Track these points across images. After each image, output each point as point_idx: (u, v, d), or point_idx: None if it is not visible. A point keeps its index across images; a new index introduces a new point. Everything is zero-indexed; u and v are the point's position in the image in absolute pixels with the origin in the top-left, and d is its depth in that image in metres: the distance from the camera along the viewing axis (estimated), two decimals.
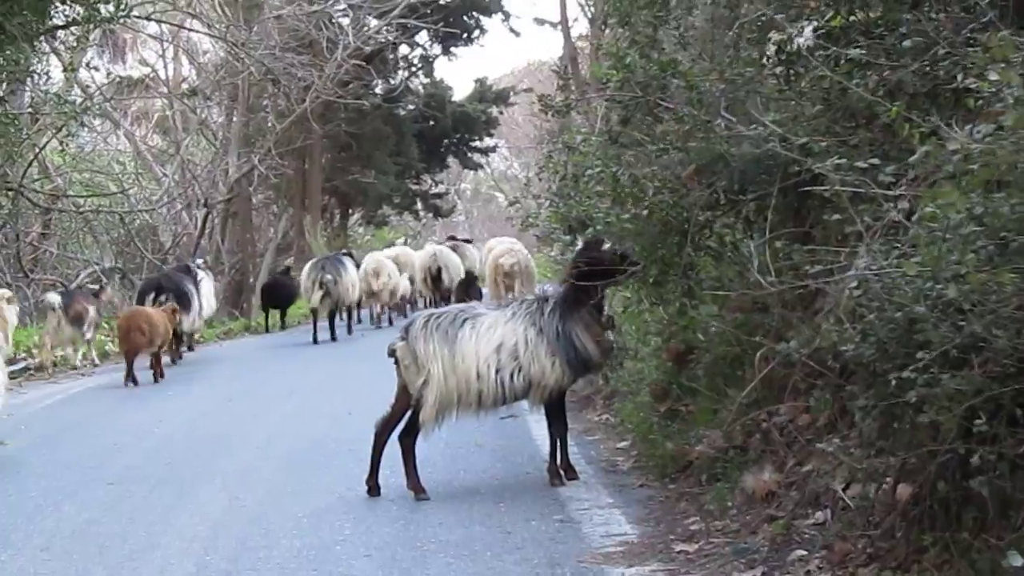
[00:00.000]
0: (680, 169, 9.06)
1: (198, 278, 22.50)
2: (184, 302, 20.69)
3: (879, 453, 6.67)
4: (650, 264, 9.61)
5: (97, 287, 22.44)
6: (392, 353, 9.44)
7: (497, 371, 9.28)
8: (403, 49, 41.09)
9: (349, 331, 24.30)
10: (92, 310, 20.18)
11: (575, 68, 28.66)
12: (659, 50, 10.70)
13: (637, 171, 10.29)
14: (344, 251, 27.68)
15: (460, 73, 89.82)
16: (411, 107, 41.23)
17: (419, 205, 45.86)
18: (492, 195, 73.04)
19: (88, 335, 20.32)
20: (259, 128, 36.19)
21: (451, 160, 46.02)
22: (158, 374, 17.75)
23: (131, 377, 17.25)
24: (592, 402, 13.06)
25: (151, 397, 16.20)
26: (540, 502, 9.01)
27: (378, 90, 38.70)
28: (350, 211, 43.75)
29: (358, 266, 25.24)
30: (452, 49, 41.45)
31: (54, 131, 23.51)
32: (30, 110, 23.40)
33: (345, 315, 24.73)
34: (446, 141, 43.59)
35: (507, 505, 8.95)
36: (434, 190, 47.00)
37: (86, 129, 25.99)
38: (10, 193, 23.84)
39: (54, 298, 20.00)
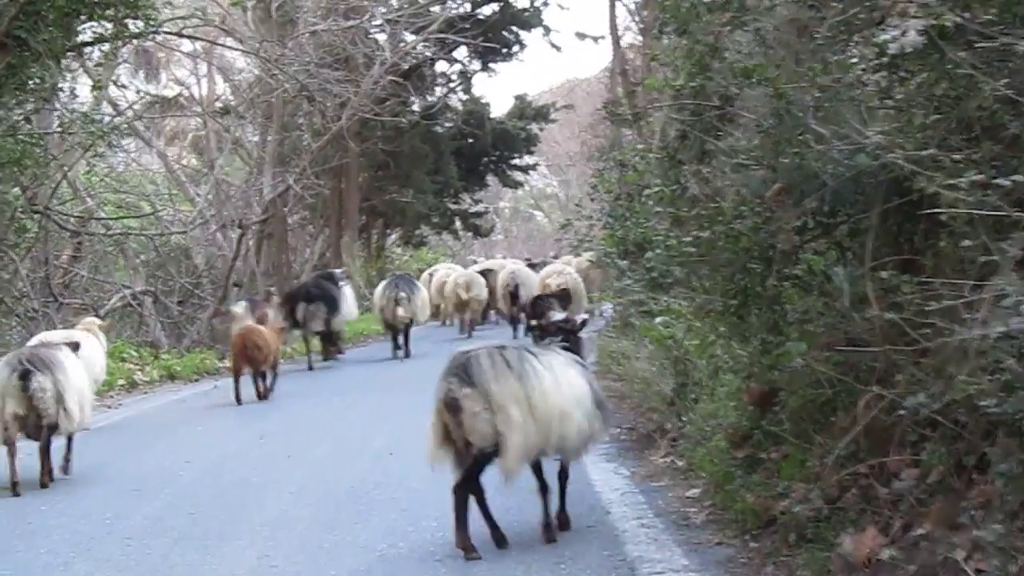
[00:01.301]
0: (763, 188, 8.08)
1: (340, 284, 24.34)
2: (332, 306, 23.20)
3: (1013, 520, 5.70)
4: (727, 295, 8.65)
5: (267, 292, 24.56)
6: (454, 404, 8.09)
7: (583, 414, 8.36)
8: (441, 65, 40.33)
9: (407, 354, 24.29)
10: (271, 313, 21.31)
11: (626, 80, 27.76)
12: (720, 59, 9.81)
13: (706, 189, 9.41)
14: (407, 273, 29.10)
15: (497, 90, 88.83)
16: (449, 124, 40.41)
17: (458, 224, 44.96)
18: (531, 214, 72.22)
19: None
20: (294, 147, 35.38)
21: (490, 178, 45.15)
22: (265, 392, 17.92)
23: (253, 392, 17.58)
24: (654, 442, 11.91)
25: (179, 434, 15.25)
26: (606, 563, 7.99)
27: (416, 107, 37.95)
28: (388, 231, 42.88)
29: None
30: (491, 65, 40.61)
31: (82, 151, 22.62)
32: (58, 130, 22.64)
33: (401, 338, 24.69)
34: (485, 159, 42.86)
35: (568, 567, 7.93)
36: (473, 209, 46.09)
37: (115, 149, 25.15)
38: (36, 216, 23.04)
39: (239, 306, 22.17)
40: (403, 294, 23.95)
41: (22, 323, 22.03)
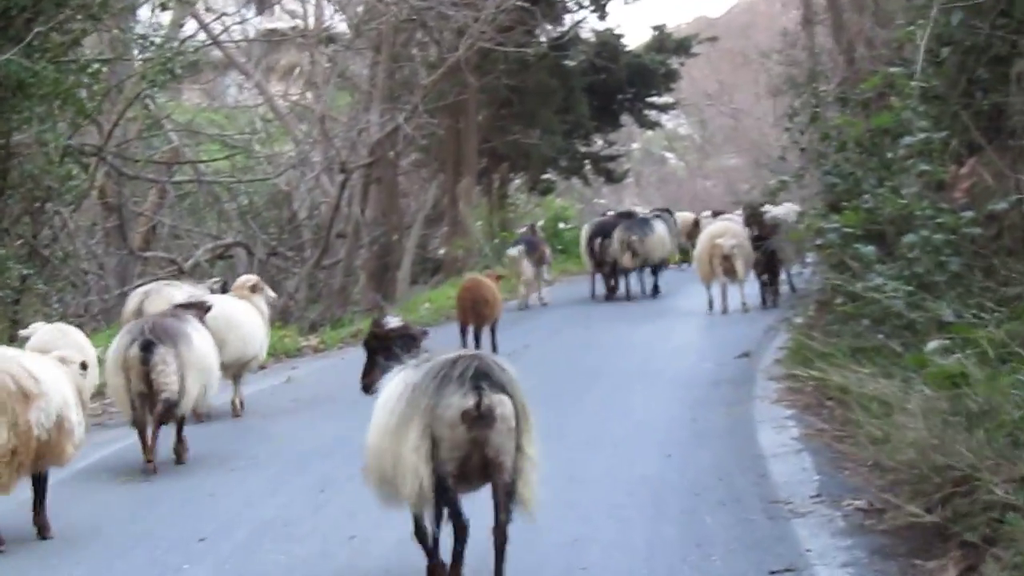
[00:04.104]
0: None
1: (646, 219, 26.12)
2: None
3: None
4: None
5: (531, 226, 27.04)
6: (490, 414, 6.66)
7: None
8: None
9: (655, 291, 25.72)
10: (548, 252, 24.93)
11: None
12: None
13: None
14: (665, 208, 30.57)
15: (629, 23, 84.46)
16: (581, 57, 36.26)
17: (588, 168, 40.74)
18: (664, 156, 67.67)
19: (546, 275, 25.20)
20: (406, 81, 31.66)
21: (624, 119, 40.92)
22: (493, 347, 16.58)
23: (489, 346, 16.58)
24: (927, 544, 7.09)
25: (209, 477, 10.85)
26: None
27: (543, 37, 33.95)
28: (511, 175, 38.90)
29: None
30: None
31: (142, 81, 18.71)
32: (108, 57, 18.95)
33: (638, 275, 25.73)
34: (619, 96, 38.78)
35: None
36: (605, 151, 41.82)
37: (180, 79, 21.26)
38: (89, 160, 19.32)
39: (515, 250, 23.66)
40: (634, 236, 24.47)
41: (63, 289, 18.27)
